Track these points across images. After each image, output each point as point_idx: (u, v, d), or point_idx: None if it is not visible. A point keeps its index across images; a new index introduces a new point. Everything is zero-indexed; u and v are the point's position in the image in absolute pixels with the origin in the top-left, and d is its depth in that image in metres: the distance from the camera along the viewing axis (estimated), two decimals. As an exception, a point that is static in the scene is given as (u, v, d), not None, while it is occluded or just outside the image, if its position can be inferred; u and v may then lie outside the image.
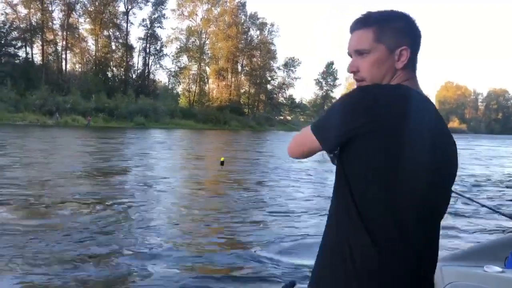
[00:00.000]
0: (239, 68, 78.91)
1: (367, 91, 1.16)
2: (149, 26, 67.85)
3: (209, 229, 5.94)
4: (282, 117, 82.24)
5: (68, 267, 4.16)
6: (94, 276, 3.96)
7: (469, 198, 2.88)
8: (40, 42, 59.03)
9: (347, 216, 1.15)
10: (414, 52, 1.23)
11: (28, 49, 58.06)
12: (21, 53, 57.58)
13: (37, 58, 59.48)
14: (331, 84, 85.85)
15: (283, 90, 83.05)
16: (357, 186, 1.14)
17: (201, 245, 5.12)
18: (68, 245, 4.82)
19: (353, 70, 1.27)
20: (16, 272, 3.94)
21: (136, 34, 68.74)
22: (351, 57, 1.29)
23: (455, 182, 1.26)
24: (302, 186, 10.32)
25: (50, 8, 59.29)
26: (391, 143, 1.09)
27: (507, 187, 11.75)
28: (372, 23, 1.22)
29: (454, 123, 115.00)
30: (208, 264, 4.53)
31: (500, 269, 2.17)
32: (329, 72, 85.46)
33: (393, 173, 1.10)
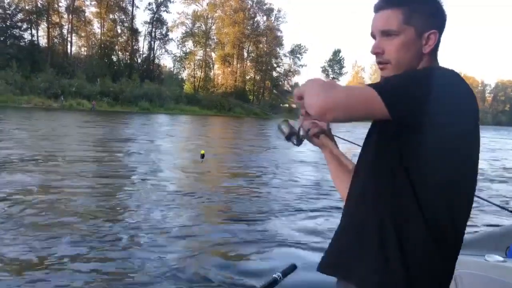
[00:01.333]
0: (245, 54, 78.38)
1: (449, 74, 1.09)
2: (155, 10, 67.43)
3: (202, 222, 5.77)
4: (287, 105, 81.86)
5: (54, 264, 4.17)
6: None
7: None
8: (46, 25, 58.83)
9: (394, 198, 1.08)
10: (440, 36, 1.18)
11: (34, 31, 57.98)
12: (27, 36, 57.50)
13: (43, 41, 59.46)
14: (338, 72, 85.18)
15: (289, 78, 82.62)
16: (421, 167, 1.06)
17: (197, 237, 5.03)
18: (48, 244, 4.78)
19: (378, 51, 1.19)
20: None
21: (141, 18, 68.65)
22: (374, 38, 1.21)
23: None
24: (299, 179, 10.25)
25: (56, -10, 58.93)
26: (461, 127, 1.05)
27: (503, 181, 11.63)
28: (402, 2, 1.15)
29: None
30: (206, 251, 4.53)
31: (501, 258, 2.17)
32: (335, 60, 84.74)
33: (461, 158, 1.07)
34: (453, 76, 1.08)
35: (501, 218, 6.22)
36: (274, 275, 1.74)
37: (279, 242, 4.88)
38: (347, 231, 1.19)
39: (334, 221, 5.83)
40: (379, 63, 1.21)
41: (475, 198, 1.22)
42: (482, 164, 14.63)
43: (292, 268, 1.84)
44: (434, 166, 1.05)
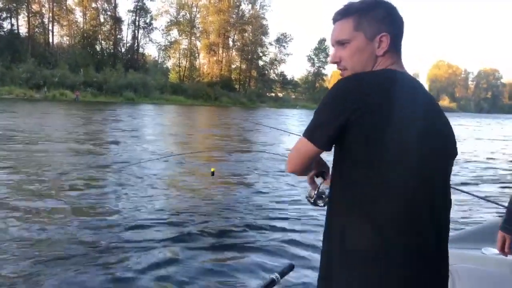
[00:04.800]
0: (230, 43, 77.89)
1: (350, 79, 1.19)
2: (138, -2, 66.19)
3: (195, 222, 5.51)
4: (273, 94, 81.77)
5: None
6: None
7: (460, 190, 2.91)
8: (26, 13, 57.42)
9: (347, 200, 1.18)
10: (396, 38, 1.25)
11: (14, 20, 56.56)
12: (6, 25, 56.06)
13: (23, 30, 58.06)
14: (323, 60, 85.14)
15: (275, 66, 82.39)
16: (358, 171, 1.15)
17: (188, 235, 4.90)
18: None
19: (335, 60, 1.30)
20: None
21: (125, 7, 67.51)
22: (334, 47, 1.31)
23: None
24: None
25: (35, -22, 57.42)
26: (383, 124, 1.10)
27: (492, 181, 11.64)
28: (352, 13, 1.25)
29: (444, 102, 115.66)
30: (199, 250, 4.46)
31: (498, 251, 2.16)
32: (321, 49, 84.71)
33: (390, 154, 1.11)
34: (368, 80, 1.16)
35: (492, 214, 6.20)
36: (272, 276, 1.70)
37: (276, 242, 4.76)
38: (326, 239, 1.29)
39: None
40: (339, 70, 1.31)
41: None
42: (465, 155, 14.75)
43: (290, 268, 1.80)
44: (367, 168, 1.13)
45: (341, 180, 1.20)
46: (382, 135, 1.10)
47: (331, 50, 1.34)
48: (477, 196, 2.98)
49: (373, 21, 1.22)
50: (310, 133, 1.19)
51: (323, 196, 1.42)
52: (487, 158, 14.20)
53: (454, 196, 1.25)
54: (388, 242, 1.11)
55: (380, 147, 1.11)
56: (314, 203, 1.43)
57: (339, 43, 1.28)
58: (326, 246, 1.24)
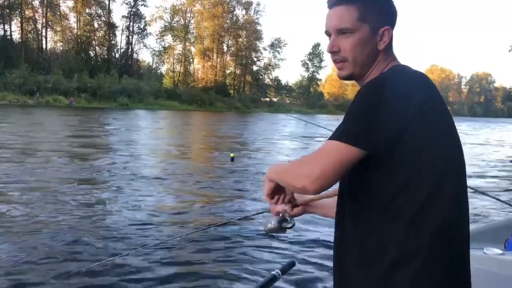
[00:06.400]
0: (225, 48, 77.99)
1: (402, 73, 1.11)
2: (132, 4, 66.31)
3: (195, 220, 5.66)
4: (268, 99, 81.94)
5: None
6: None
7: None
8: (19, 19, 57.22)
9: (385, 211, 1.06)
10: (392, 31, 1.18)
11: (6, 26, 56.35)
12: (-1, 30, 55.81)
13: (16, 36, 57.85)
14: (317, 65, 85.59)
15: (269, 71, 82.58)
16: (405, 178, 1.04)
17: (191, 236, 4.82)
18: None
19: (335, 50, 1.18)
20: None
21: (119, 13, 67.12)
22: (329, 35, 1.19)
23: None
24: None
25: (29, -16, 57.28)
26: (440, 126, 1.06)
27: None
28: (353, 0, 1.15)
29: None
30: (199, 247, 4.43)
31: (500, 251, 2.15)
32: (315, 54, 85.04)
33: (443, 160, 1.06)
34: (393, 77, 1.08)
35: (498, 211, 6.20)
36: (273, 272, 1.68)
37: (277, 239, 4.74)
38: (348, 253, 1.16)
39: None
40: (335, 61, 1.19)
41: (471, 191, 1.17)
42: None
43: (291, 264, 1.78)
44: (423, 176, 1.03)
45: (372, 189, 1.07)
46: (438, 138, 1.05)
47: (323, 36, 1.22)
48: (487, 195, 2.95)
49: (376, 12, 1.14)
50: (357, 137, 1.01)
51: (287, 219, 1.28)
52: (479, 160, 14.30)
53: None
54: (442, 250, 1.05)
55: (435, 153, 1.04)
56: (281, 229, 1.29)
57: (340, 31, 1.16)
58: (352, 263, 1.11)
